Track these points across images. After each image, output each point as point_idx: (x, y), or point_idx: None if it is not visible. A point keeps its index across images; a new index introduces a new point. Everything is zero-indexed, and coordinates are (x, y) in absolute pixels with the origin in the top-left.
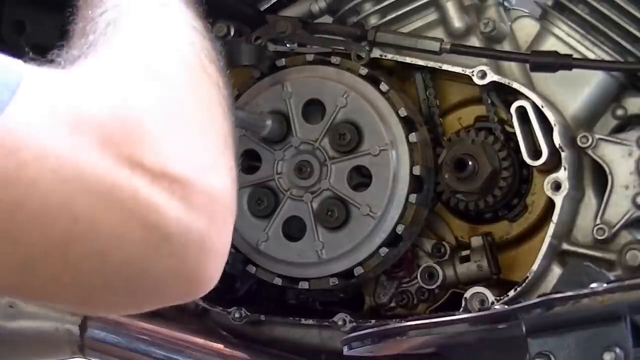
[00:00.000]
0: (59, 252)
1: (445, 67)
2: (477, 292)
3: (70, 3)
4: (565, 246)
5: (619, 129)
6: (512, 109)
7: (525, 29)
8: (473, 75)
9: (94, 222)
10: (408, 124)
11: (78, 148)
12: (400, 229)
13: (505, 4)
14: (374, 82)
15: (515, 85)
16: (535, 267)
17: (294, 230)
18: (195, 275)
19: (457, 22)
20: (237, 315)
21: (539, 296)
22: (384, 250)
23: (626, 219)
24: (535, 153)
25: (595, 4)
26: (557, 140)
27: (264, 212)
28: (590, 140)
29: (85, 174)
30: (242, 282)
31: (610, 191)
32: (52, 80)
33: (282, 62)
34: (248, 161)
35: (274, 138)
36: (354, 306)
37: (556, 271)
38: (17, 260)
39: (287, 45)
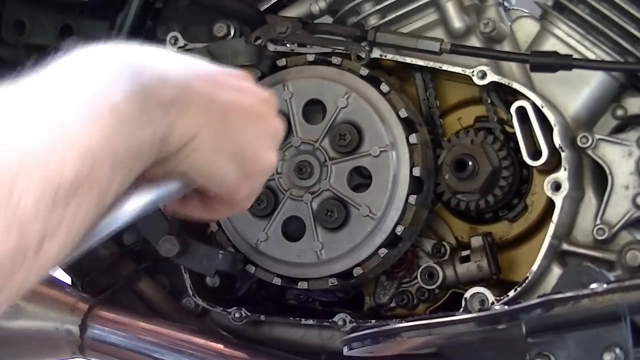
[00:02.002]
0: None
1: (445, 67)
2: (477, 293)
3: (70, 3)
4: (565, 246)
5: (619, 129)
6: (512, 109)
7: (525, 29)
8: (473, 75)
9: None
10: (408, 125)
11: None
12: (399, 229)
13: (505, 4)
14: (375, 83)
15: (515, 86)
16: (535, 267)
17: (293, 230)
18: None
19: (457, 22)
20: (237, 315)
21: (539, 296)
22: (383, 251)
23: (626, 219)
24: (535, 153)
25: (595, 4)
26: (557, 140)
27: (264, 212)
28: (590, 141)
29: None
30: (242, 282)
31: (610, 191)
32: None
33: (283, 62)
34: None
35: None
36: (354, 306)
37: (556, 271)
38: None
39: (287, 45)
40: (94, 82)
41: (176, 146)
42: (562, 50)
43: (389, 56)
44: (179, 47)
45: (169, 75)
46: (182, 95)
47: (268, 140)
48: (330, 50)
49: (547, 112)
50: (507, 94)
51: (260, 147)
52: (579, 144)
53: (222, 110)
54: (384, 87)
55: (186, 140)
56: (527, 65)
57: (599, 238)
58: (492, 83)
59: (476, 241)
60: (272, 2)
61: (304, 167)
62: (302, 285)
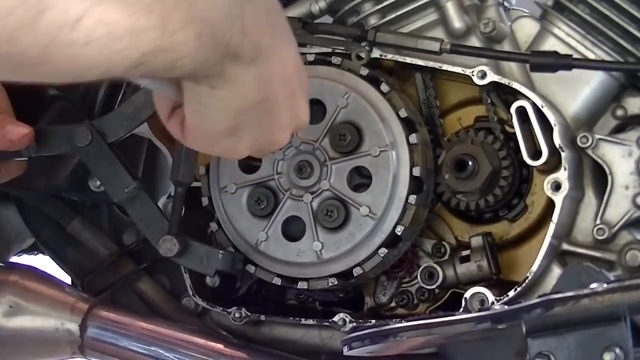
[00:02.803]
0: None
1: (445, 67)
2: (477, 292)
3: None
4: (565, 246)
5: (619, 129)
6: (512, 109)
7: (525, 29)
8: (473, 75)
9: None
10: (408, 125)
11: None
12: (399, 229)
13: (505, 4)
14: (375, 83)
15: (515, 85)
16: (535, 267)
17: (293, 230)
18: None
19: (457, 22)
20: (237, 315)
21: (539, 296)
22: (383, 251)
23: (626, 219)
24: (535, 153)
25: (595, 4)
26: (557, 140)
27: (264, 212)
28: (590, 140)
29: None
30: (242, 282)
31: (610, 191)
32: None
33: None
34: (248, 160)
35: None
36: (354, 306)
37: (556, 271)
38: None
39: None
40: None
41: (218, 85)
42: (562, 50)
43: (389, 56)
44: None
45: (261, 38)
46: (252, 60)
47: (273, 142)
48: (330, 50)
49: (547, 112)
50: (507, 94)
51: (256, 143)
52: (579, 143)
53: (271, 102)
54: (384, 87)
55: (227, 94)
56: (527, 65)
57: (599, 238)
58: (492, 83)
59: (476, 241)
60: None
61: (304, 167)
62: (302, 285)
